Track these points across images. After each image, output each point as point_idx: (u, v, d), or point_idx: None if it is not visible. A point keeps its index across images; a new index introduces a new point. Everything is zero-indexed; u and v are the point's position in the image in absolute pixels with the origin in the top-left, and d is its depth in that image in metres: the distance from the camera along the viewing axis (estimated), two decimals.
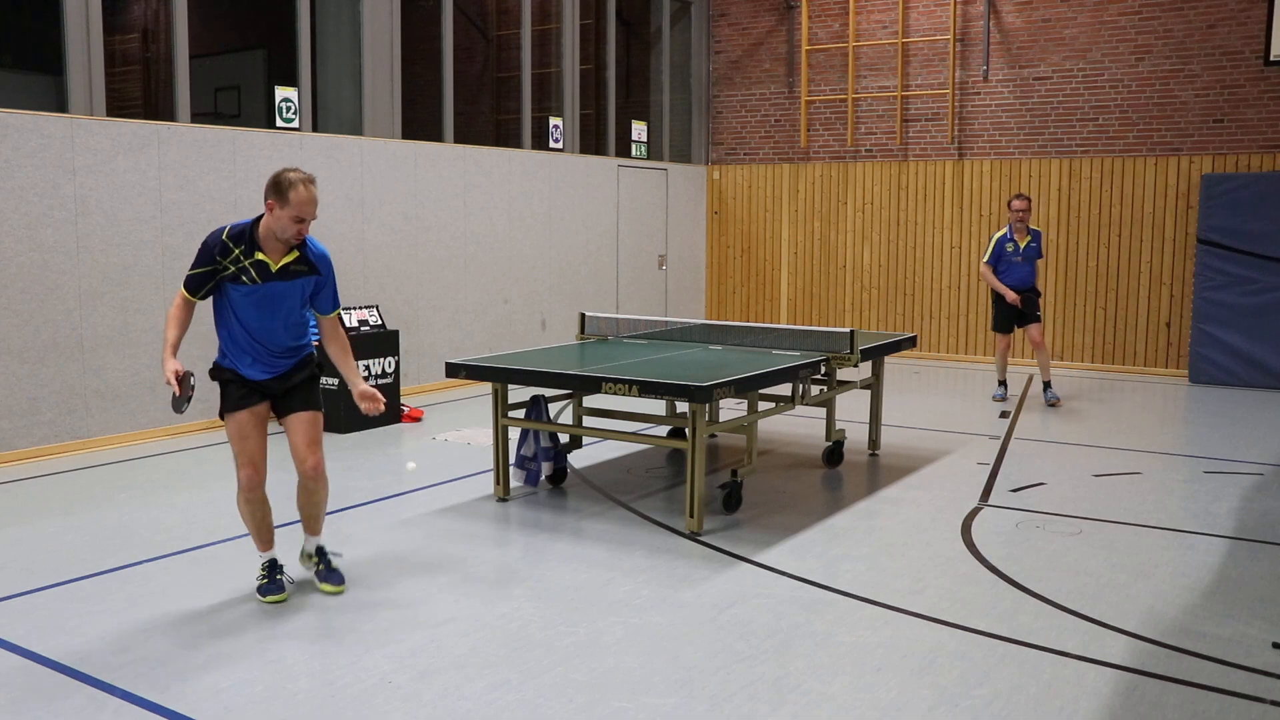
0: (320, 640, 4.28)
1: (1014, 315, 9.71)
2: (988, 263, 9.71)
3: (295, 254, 4.55)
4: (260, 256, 4.48)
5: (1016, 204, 9.56)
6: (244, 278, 4.47)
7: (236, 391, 4.58)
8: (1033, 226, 9.55)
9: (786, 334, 7.78)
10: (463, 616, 4.53)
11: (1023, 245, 9.58)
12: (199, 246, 4.53)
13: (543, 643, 4.25)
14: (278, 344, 4.61)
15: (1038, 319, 9.75)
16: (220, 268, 4.46)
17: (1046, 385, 9.85)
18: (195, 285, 4.48)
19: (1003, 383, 10.09)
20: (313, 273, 4.59)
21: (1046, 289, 12.08)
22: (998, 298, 9.70)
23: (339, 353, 4.72)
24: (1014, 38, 12.09)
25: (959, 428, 8.65)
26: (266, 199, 4.45)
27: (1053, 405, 9.61)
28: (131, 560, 5.24)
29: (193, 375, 4.41)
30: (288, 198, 4.39)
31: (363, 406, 4.63)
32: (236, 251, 4.46)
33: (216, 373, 4.66)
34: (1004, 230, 9.72)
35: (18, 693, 3.82)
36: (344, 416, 8.34)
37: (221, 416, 4.63)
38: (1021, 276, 9.62)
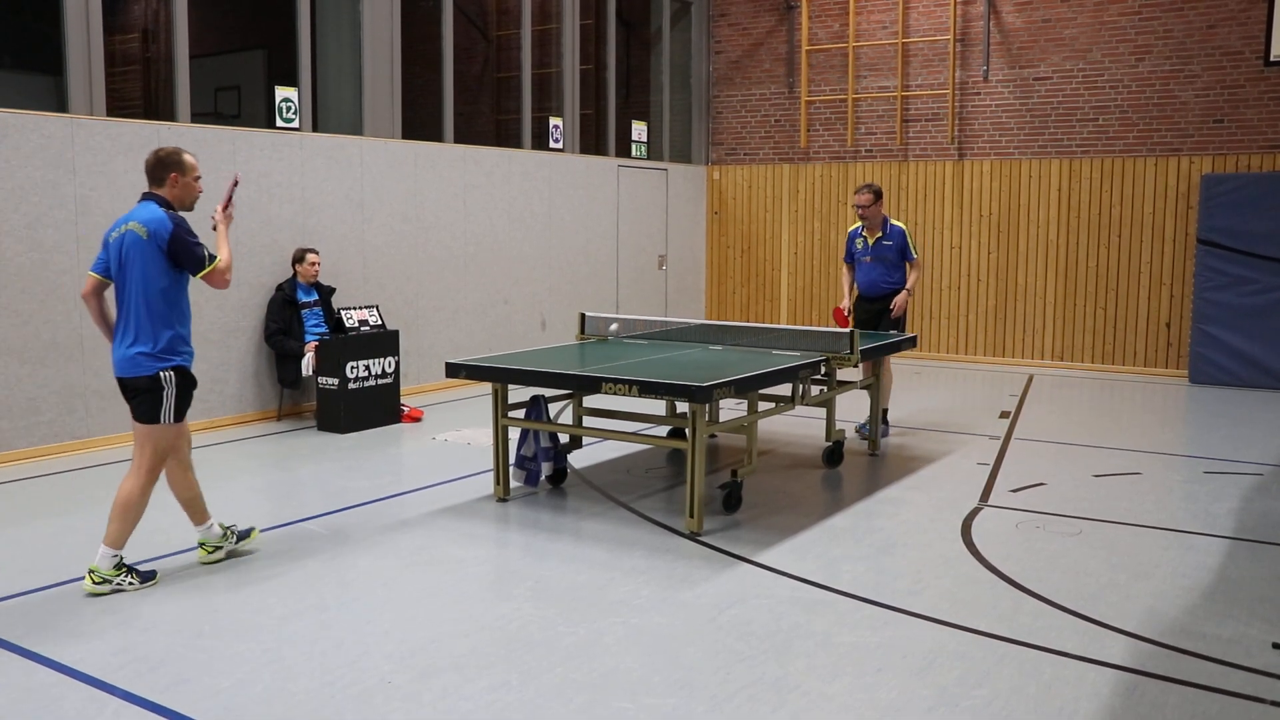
0: (320, 641, 4.28)
1: (866, 325, 8.13)
2: (844, 260, 8.55)
3: None
4: None
5: (856, 198, 8.16)
6: None
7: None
8: (896, 222, 8.22)
9: (786, 334, 7.79)
10: (463, 616, 4.53)
11: (872, 242, 8.20)
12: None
13: (543, 643, 4.25)
14: None
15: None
16: None
17: (883, 414, 8.11)
18: None
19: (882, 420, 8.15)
20: None
21: (1047, 290, 12.09)
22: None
23: None
24: (1014, 38, 12.09)
25: (959, 428, 8.65)
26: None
27: (866, 439, 7.81)
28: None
29: None
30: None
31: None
32: None
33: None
34: (856, 224, 8.39)
35: (18, 693, 3.82)
36: (344, 416, 8.35)
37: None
38: (872, 279, 8.21)
